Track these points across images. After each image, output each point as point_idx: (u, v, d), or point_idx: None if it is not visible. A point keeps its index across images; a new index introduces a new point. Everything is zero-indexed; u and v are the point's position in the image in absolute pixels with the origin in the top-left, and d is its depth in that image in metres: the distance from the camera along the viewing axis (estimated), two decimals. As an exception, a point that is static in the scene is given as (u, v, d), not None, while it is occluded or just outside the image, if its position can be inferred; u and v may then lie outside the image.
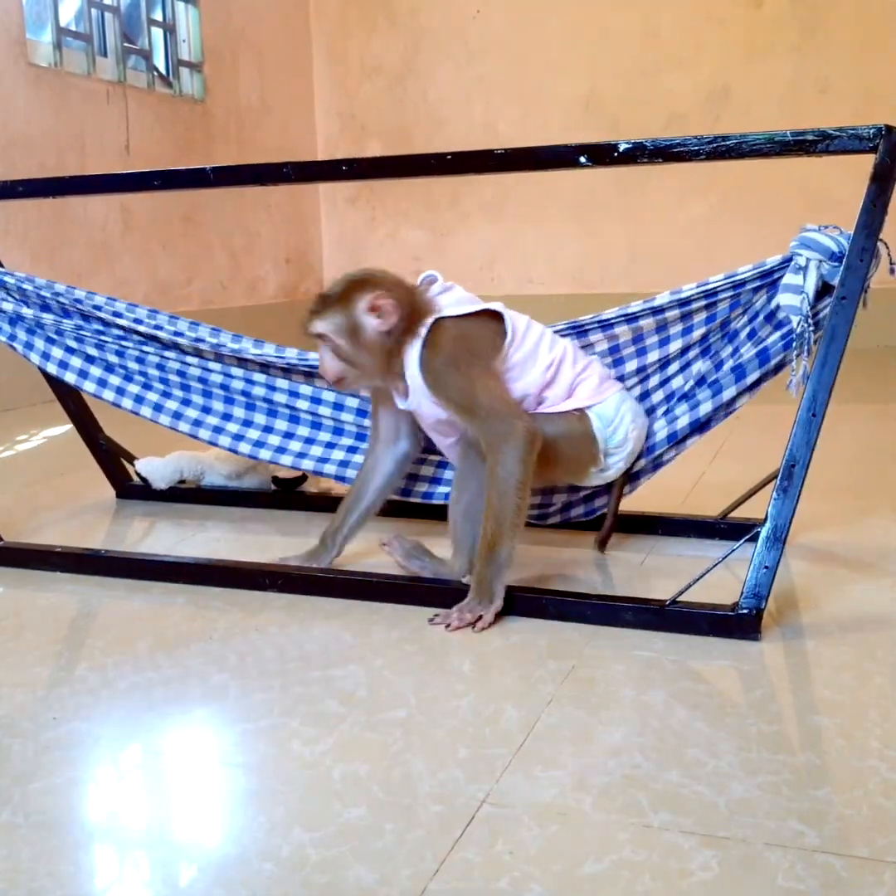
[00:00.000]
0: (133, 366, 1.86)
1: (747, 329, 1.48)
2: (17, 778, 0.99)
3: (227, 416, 1.85)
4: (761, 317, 1.46)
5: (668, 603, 1.32)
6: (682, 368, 1.56)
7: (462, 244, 5.14)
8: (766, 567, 1.29)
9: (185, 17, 4.36)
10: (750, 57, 4.60)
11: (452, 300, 1.44)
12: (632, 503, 1.72)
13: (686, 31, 4.67)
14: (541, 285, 5.00)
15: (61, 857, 0.85)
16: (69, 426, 2.15)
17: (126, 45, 3.99)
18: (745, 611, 1.29)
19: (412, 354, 1.40)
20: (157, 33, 4.23)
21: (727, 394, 1.51)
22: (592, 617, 1.35)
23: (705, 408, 1.53)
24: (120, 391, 1.87)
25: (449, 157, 1.43)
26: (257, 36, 4.79)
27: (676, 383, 1.56)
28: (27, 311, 1.85)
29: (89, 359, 1.88)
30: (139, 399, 1.87)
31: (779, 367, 1.48)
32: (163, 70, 4.26)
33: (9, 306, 1.86)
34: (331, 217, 5.37)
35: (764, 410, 1.81)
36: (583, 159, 1.37)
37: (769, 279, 1.43)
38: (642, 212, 4.81)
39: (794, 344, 1.38)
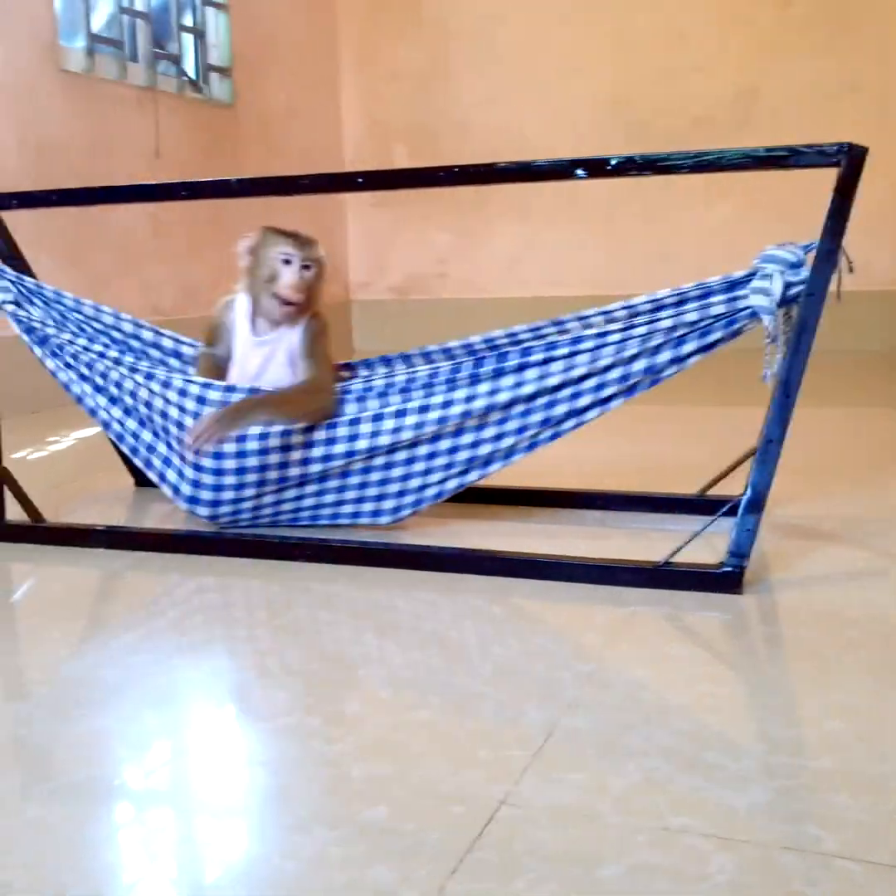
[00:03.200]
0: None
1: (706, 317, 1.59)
2: (40, 775, 1.00)
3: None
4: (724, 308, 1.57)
5: (661, 563, 1.49)
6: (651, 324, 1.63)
7: (487, 246, 5.15)
8: (748, 529, 1.45)
9: (215, 22, 4.41)
10: (778, 57, 4.58)
11: None
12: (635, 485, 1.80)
13: (713, 32, 4.65)
14: (567, 287, 5.00)
15: (84, 854, 0.87)
16: (97, 428, 2.18)
17: (156, 50, 4.03)
18: (729, 568, 1.46)
19: None
20: (188, 39, 4.27)
21: (687, 348, 1.60)
22: (595, 577, 1.51)
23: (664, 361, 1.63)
24: (116, 422, 1.94)
25: (456, 170, 1.58)
26: (286, 41, 4.82)
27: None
28: (38, 327, 1.91)
29: (97, 388, 1.93)
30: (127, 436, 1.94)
31: (735, 333, 1.58)
32: (193, 75, 4.30)
33: (25, 316, 1.91)
34: (356, 219, 5.39)
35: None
36: (579, 172, 1.49)
37: (732, 291, 1.55)
38: (668, 212, 4.80)
39: (767, 338, 1.51)
